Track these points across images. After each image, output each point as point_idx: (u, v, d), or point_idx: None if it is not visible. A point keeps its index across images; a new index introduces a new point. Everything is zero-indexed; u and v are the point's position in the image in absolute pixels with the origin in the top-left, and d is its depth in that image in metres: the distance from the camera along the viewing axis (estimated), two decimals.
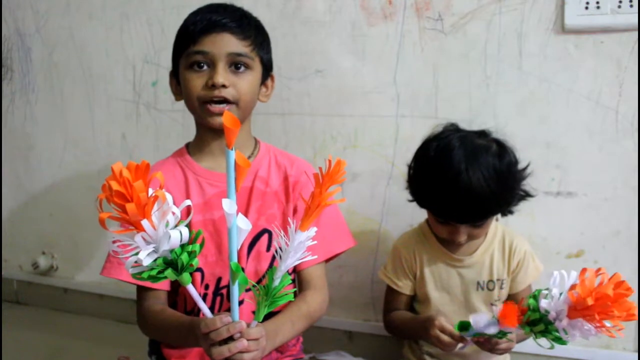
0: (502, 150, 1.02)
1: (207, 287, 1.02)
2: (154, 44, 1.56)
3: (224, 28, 0.98)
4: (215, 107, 0.99)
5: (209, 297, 1.03)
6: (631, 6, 1.13)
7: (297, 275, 1.09)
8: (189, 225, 0.73)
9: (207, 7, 1.03)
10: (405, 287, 1.16)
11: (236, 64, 0.99)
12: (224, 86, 0.97)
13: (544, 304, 0.81)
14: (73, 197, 1.75)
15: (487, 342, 0.94)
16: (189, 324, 0.90)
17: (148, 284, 1.01)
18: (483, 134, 1.06)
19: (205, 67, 0.99)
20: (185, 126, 1.52)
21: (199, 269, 1.02)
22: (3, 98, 1.82)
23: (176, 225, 0.71)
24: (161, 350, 1.09)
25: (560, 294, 0.80)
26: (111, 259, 1.04)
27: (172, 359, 1.06)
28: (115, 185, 0.64)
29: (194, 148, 1.08)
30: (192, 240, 0.72)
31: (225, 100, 0.99)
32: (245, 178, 0.70)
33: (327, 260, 1.12)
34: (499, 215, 1.10)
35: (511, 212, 1.08)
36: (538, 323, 0.82)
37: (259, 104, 1.10)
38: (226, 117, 0.66)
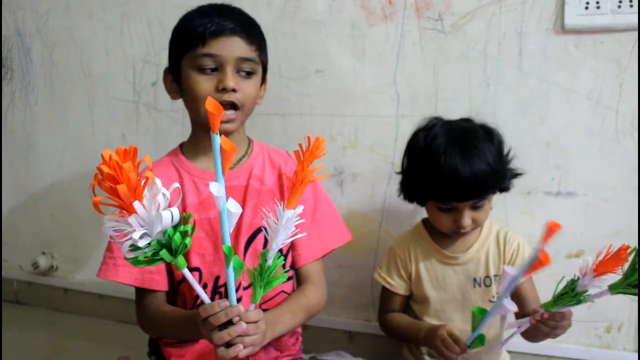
0: (489, 130, 1.07)
1: (205, 286, 1.02)
2: (154, 44, 1.56)
3: (233, 32, 0.98)
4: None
5: (207, 296, 1.03)
6: (631, 6, 1.13)
7: (296, 272, 1.10)
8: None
9: (210, 8, 1.03)
10: (399, 287, 1.17)
11: (243, 68, 1.00)
12: (234, 90, 0.97)
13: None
14: (73, 197, 1.75)
15: (552, 318, 0.92)
16: (190, 316, 0.91)
17: (147, 284, 1.02)
18: (467, 120, 1.12)
19: (213, 70, 0.99)
20: (185, 126, 1.52)
21: (197, 269, 1.02)
22: (3, 98, 1.82)
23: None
24: (161, 350, 1.09)
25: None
26: (107, 260, 1.03)
27: (171, 358, 1.06)
28: (105, 169, 0.66)
29: (189, 148, 1.08)
30: (184, 222, 0.73)
31: (232, 105, 0.99)
32: (231, 161, 0.73)
33: (324, 255, 1.12)
34: (493, 207, 1.11)
35: (507, 189, 1.12)
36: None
37: (258, 105, 1.10)
38: (209, 103, 0.69)
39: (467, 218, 1.05)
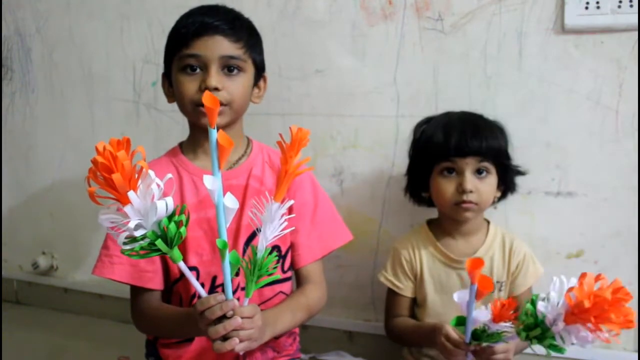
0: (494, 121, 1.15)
1: (202, 285, 1.02)
2: (154, 44, 1.56)
3: (216, 30, 0.98)
4: None
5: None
6: (631, 6, 1.13)
7: (296, 273, 1.10)
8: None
9: (198, 9, 1.03)
10: (406, 288, 1.16)
11: (229, 66, 0.99)
12: (216, 89, 0.97)
13: (541, 307, 0.80)
14: (73, 197, 1.75)
15: (483, 352, 0.92)
16: (187, 313, 0.92)
17: (142, 282, 1.02)
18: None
19: (197, 70, 0.99)
20: (184, 126, 1.51)
21: (194, 268, 1.02)
22: (3, 98, 1.82)
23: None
24: (158, 351, 1.09)
25: (559, 302, 0.79)
26: (103, 257, 1.03)
27: (169, 359, 1.06)
28: (100, 159, 0.66)
29: (188, 147, 1.09)
30: (178, 212, 0.74)
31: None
32: (228, 155, 0.74)
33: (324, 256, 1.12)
34: (497, 206, 1.12)
35: (513, 188, 1.15)
36: (534, 328, 0.81)
37: (257, 104, 1.10)
38: (206, 97, 0.70)
39: (470, 182, 1.05)
